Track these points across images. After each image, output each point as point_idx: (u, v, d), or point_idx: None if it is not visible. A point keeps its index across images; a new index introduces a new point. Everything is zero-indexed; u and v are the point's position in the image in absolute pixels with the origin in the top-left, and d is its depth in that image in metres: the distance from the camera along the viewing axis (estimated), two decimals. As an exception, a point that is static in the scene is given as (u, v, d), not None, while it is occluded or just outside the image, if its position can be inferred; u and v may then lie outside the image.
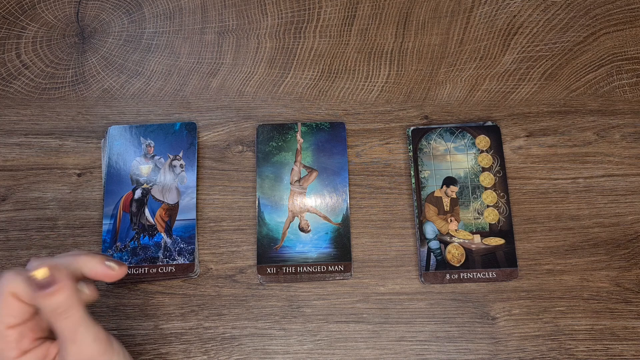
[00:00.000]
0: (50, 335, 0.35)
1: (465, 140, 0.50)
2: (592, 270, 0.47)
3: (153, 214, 0.48)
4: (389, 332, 0.46)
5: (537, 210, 0.49)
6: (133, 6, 0.55)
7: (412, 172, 0.49)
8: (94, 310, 0.46)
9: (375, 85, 0.53)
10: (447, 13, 0.55)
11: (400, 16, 0.55)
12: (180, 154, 0.50)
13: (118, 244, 0.47)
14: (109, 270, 0.35)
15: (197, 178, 0.49)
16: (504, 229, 0.48)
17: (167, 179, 0.49)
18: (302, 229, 0.48)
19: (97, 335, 0.33)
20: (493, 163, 0.50)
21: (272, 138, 0.50)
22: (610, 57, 0.53)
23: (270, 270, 0.47)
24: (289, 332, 0.46)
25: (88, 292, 0.35)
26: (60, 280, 0.32)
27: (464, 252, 0.47)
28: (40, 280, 0.32)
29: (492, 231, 0.48)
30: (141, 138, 0.50)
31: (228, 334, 0.46)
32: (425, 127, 0.51)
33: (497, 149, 0.50)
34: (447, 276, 0.47)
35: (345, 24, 0.55)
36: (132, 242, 0.47)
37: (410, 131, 0.50)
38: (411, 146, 0.50)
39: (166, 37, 0.54)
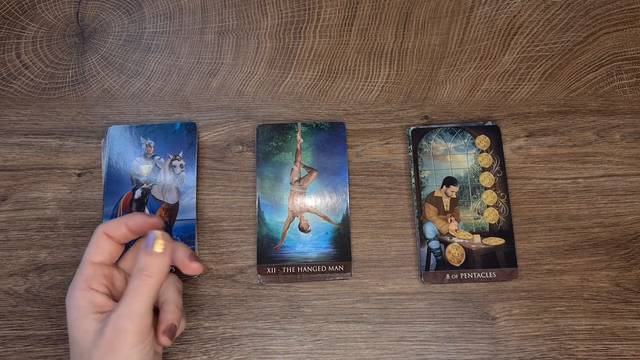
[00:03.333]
0: (119, 295, 0.39)
1: (465, 140, 0.50)
2: (592, 270, 0.47)
3: (153, 214, 0.48)
4: (389, 332, 0.46)
5: (537, 210, 0.49)
6: (133, 6, 0.55)
7: (412, 172, 0.49)
8: (94, 310, 0.46)
9: (375, 85, 0.53)
10: (447, 13, 0.55)
11: (400, 16, 0.55)
12: (180, 154, 0.50)
13: (118, 244, 0.47)
14: (148, 219, 0.39)
15: (197, 178, 0.49)
16: (504, 229, 0.48)
17: (167, 179, 0.49)
18: (302, 229, 0.48)
19: (143, 320, 0.35)
20: (493, 163, 0.50)
21: (272, 138, 0.50)
22: (610, 57, 0.53)
23: (270, 270, 0.47)
24: (289, 332, 0.46)
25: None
26: (162, 251, 0.36)
27: (464, 252, 0.47)
28: (154, 240, 0.36)
29: (492, 231, 0.48)
30: (141, 138, 0.50)
31: (228, 334, 0.46)
32: (425, 127, 0.51)
33: (497, 149, 0.50)
34: (447, 276, 0.47)
35: (345, 24, 0.55)
36: (132, 242, 0.47)
37: (410, 131, 0.50)
38: (411, 146, 0.50)
39: (166, 37, 0.54)
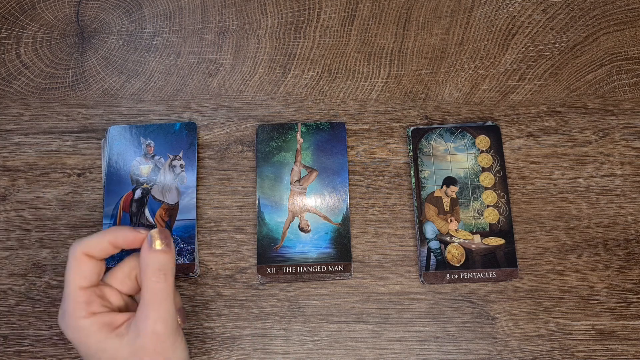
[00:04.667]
0: (117, 309, 0.37)
1: (465, 140, 0.50)
2: (592, 270, 0.47)
3: (153, 214, 0.48)
4: (389, 332, 0.46)
5: (537, 210, 0.49)
6: (133, 6, 0.55)
7: (412, 172, 0.49)
8: (94, 310, 0.46)
9: (375, 85, 0.53)
10: (447, 13, 0.55)
11: (400, 16, 0.55)
12: (180, 154, 0.50)
13: (118, 244, 0.47)
14: (139, 234, 0.37)
15: (197, 178, 0.49)
16: (504, 229, 0.48)
17: (167, 179, 0.49)
18: (302, 229, 0.48)
19: (174, 316, 0.36)
20: (493, 163, 0.50)
21: (272, 138, 0.50)
22: (610, 57, 0.53)
23: (270, 270, 0.47)
24: (289, 332, 0.46)
25: (180, 321, 0.39)
26: (168, 248, 0.36)
27: (464, 252, 0.47)
28: (153, 240, 0.36)
29: (492, 231, 0.48)
30: (141, 138, 0.50)
31: (228, 334, 0.46)
32: (425, 127, 0.51)
33: (497, 149, 0.50)
34: (447, 276, 0.47)
35: (345, 24, 0.55)
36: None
37: (410, 131, 0.50)
38: (411, 146, 0.50)
39: (166, 37, 0.54)
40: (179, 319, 0.38)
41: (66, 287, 0.36)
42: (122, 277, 0.38)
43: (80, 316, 0.35)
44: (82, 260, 0.35)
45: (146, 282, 0.35)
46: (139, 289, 0.39)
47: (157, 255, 0.35)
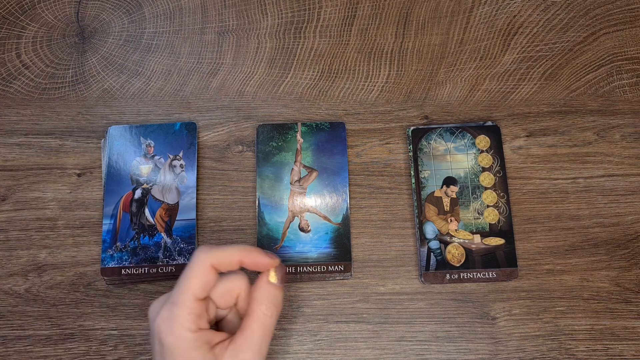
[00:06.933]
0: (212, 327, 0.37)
1: (465, 140, 0.50)
2: (592, 270, 0.47)
3: (153, 214, 0.48)
4: (389, 332, 0.46)
5: (537, 210, 0.49)
6: (133, 6, 0.55)
7: (412, 172, 0.49)
8: (94, 310, 0.46)
9: (375, 85, 0.53)
10: (447, 13, 0.55)
11: (400, 16, 0.55)
12: (180, 154, 0.50)
13: (118, 244, 0.47)
14: (272, 260, 0.36)
15: (197, 178, 0.49)
16: (504, 229, 0.48)
17: (167, 179, 0.49)
18: (302, 229, 0.48)
19: (264, 353, 0.35)
20: (493, 163, 0.50)
21: (272, 138, 0.50)
22: (610, 57, 0.53)
23: (270, 270, 0.47)
24: (289, 332, 0.46)
25: None
26: (284, 282, 0.36)
27: (464, 252, 0.47)
28: (278, 271, 0.36)
29: (492, 231, 0.48)
30: (141, 138, 0.50)
31: (228, 334, 0.46)
32: (425, 127, 0.51)
33: (497, 149, 0.50)
34: (447, 276, 0.47)
35: (345, 24, 0.55)
36: (132, 242, 0.47)
37: (410, 131, 0.50)
38: (411, 146, 0.50)
39: (166, 37, 0.54)
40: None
41: (182, 293, 0.34)
42: (222, 292, 0.36)
43: (189, 328, 0.33)
44: (208, 271, 0.34)
45: (257, 312, 0.34)
46: (232, 307, 0.37)
47: (276, 289, 0.35)
